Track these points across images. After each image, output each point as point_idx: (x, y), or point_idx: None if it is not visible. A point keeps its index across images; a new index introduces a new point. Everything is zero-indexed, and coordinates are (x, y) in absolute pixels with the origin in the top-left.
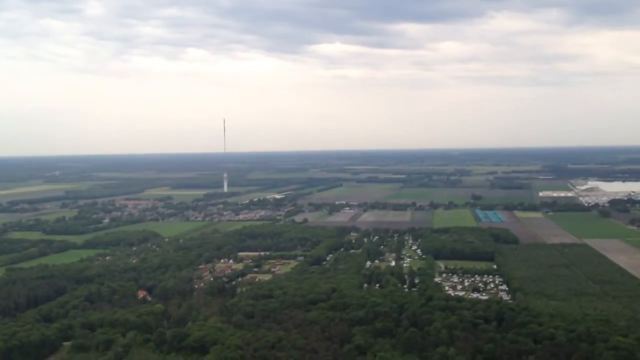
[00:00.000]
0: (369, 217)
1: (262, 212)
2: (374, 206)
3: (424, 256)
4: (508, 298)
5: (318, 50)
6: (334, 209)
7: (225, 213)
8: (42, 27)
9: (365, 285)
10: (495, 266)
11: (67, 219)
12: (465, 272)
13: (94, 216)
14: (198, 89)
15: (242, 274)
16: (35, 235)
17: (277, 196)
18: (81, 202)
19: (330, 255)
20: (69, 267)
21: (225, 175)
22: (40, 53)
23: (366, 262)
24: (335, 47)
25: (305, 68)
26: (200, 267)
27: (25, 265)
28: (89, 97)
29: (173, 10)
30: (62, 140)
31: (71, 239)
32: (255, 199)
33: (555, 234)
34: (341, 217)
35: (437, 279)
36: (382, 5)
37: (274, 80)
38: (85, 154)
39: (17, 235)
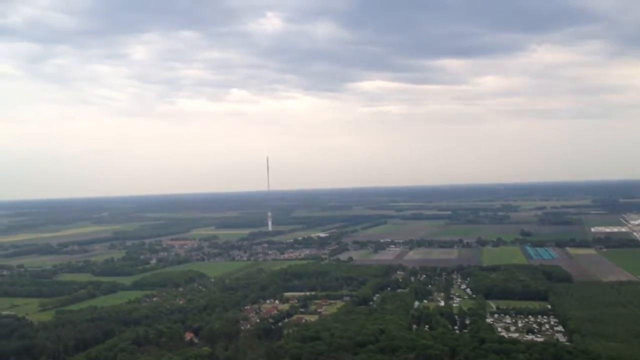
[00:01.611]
0: (415, 255)
1: (307, 251)
2: (419, 244)
3: (474, 295)
4: (564, 340)
5: (357, 87)
6: (379, 247)
7: (270, 252)
8: (89, 72)
9: (414, 326)
10: (549, 306)
11: (115, 260)
12: (518, 313)
13: (142, 257)
14: (241, 128)
15: (289, 314)
16: (84, 277)
17: (322, 234)
18: (129, 243)
19: (377, 295)
20: (117, 309)
21: (269, 213)
22: (88, 97)
23: (414, 302)
24: (374, 84)
25: (345, 106)
26: (246, 307)
27: (74, 307)
28: (135, 139)
29: (215, 53)
30: (109, 182)
31: (119, 280)
32: (300, 238)
33: (611, 271)
34: (387, 255)
35: (489, 320)
36: (421, 41)
37: (314, 119)
38: (133, 194)
39: (67, 277)
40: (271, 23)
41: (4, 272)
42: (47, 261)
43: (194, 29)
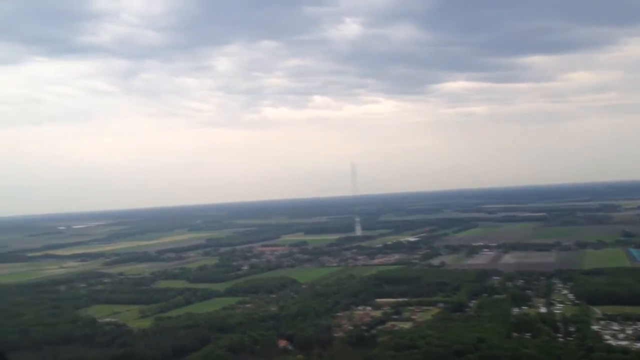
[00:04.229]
0: (510, 259)
1: (397, 256)
2: (514, 247)
3: (576, 301)
4: None
5: (440, 89)
6: (472, 250)
7: (359, 257)
8: (177, 85)
9: (515, 334)
10: None
11: (209, 266)
12: (626, 319)
13: (234, 263)
14: (324, 134)
15: (381, 321)
16: (180, 284)
17: (411, 238)
18: (222, 250)
19: (473, 301)
20: (212, 315)
21: (357, 218)
22: (176, 109)
23: (512, 308)
24: (457, 84)
25: (429, 107)
26: (338, 314)
27: (172, 314)
28: (223, 148)
29: (296, 61)
30: (202, 190)
31: (213, 286)
32: (389, 242)
33: None
34: (480, 260)
35: (595, 327)
36: (505, 39)
37: (397, 121)
38: (224, 202)
39: (164, 283)
40: (350, 29)
41: (106, 280)
42: (145, 268)
43: (274, 38)
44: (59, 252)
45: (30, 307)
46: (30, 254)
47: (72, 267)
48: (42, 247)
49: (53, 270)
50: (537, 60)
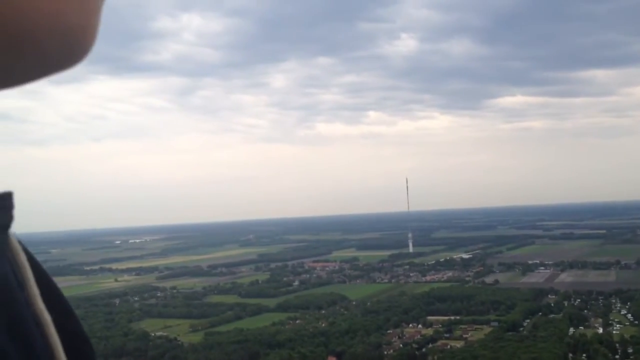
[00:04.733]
0: (567, 278)
1: (450, 273)
2: (572, 265)
3: (636, 322)
4: None
5: (497, 103)
6: (527, 268)
7: (411, 274)
8: (233, 102)
9: (570, 355)
10: None
11: (260, 282)
12: None
13: (285, 279)
14: (378, 149)
15: (433, 339)
16: (231, 299)
17: (464, 256)
18: (272, 265)
19: (527, 321)
20: (262, 331)
21: (409, 235)
22: (233, 125)
23: (569, 328)
24: (515, 99)
25: (485, 122)
26: (388, 331)
27: (222, 329)
28: (276, 164)
29: (351, 77)
30: (255, 205)
31: (264, 302)
32: (442, 259)
33: None
34: (536, 278)
35: None
36: (564, 53)
37: (453, 137)
38: (276, 217)
39: (215, 298)
40: (406, 44)
41: (159, 294)
42: (197, 283)
43: (330, 55)
44: (115, 265)
45: (84, 320)
46: (87, 268)
47: (127, 280)
48: (99, 261)
49: (108, 283)
50: (597, 74)
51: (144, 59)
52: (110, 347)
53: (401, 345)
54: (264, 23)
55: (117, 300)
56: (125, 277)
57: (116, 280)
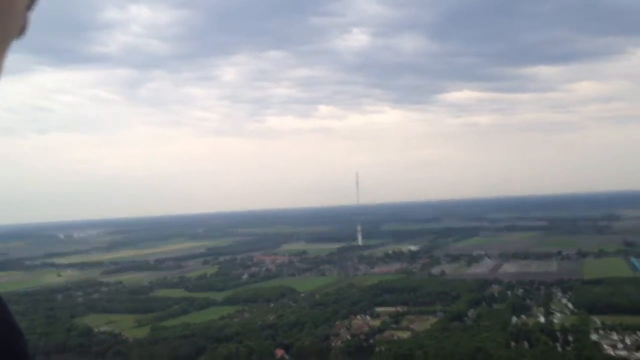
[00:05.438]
0: (510, 268)
1: (398, 265)
2: (515, 256)
3: (576, 311)
4: None
5: (446, 99)
6: (473, 260)
7: (360, 267)
8: (183, 95)
9: (513, 343)
10: None
11: (208, 275)
12: (625, 329)
13: (234, 272)
14: (329, 143)
15: (380, 330)
16: (178, 293)
17: (412, 248)
18: (222, 259)
19: (472, 310)
20: (209, 325)
21: (359, 227)
22: (182, 118)
23: (512, 317)
24: (463, 94)
25: (434, 117)
26: (336, 323)
27: (168, 323)
28: (226, 157)
29: (303, 71)
30: (204, 199)
31: (212, 295)
32: (390, 251)
33: None
34: (481, 269)
35: (594, 337)
36: (511, 50)
37: (402, 131)
38: (226, 210)
39: (162, 292)
40: (357, 39)
41: (103, 289)
42: (144, 277)
43: (281, 48)
44: (58, 260)
45: (25, 316)
46: (28, 262)
47: (70, 275)
48: (41, 255)
49: (51, 278)
50: (542, 70)
51: (91, 50)
52: (51, 343)
53: (349, 337)
54: (214, 15)
55: (59, 296)
56: (69, 271)
57: (59, 275)
